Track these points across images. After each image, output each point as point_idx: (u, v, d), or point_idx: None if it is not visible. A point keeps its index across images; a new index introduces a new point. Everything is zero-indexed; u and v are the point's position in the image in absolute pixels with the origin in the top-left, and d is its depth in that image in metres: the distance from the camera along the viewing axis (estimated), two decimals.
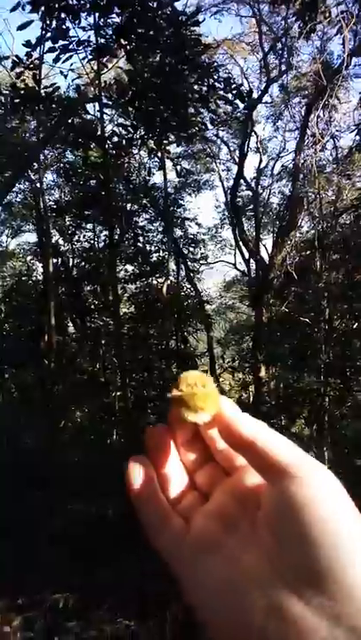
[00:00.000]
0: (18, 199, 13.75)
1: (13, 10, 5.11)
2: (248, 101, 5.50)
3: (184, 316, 11.21)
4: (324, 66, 10.99)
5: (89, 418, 11.08)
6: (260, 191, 15.10)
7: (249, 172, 15.12)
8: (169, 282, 9.88)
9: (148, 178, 10.29)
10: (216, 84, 5.31)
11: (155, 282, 11.03)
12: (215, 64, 5.46)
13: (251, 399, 12.43)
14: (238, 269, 16.45)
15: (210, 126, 5.76)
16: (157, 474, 0.40)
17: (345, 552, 0.32)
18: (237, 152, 14.42)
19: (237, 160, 12.84)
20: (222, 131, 12.95)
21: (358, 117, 11.11)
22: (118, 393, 12.82)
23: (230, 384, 12.66)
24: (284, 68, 11.49)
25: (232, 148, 15.50)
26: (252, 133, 13.23)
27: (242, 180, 13.54)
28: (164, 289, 9.50)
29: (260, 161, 15.01)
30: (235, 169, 15.76)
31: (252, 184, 14.91)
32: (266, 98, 12.57)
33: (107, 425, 11.52)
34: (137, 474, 0.39)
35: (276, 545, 0.34)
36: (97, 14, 4.98)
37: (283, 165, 14.92)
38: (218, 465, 0.41)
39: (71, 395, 11.61)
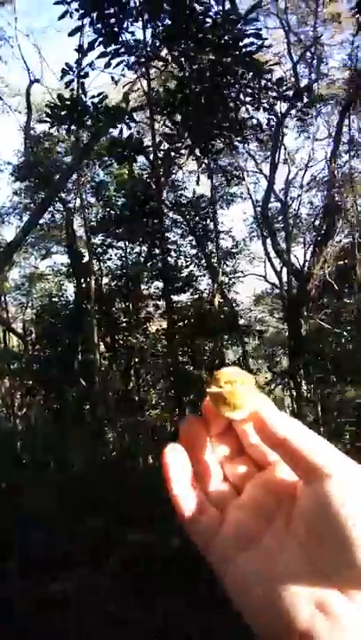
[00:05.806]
0: (47, 221, 13.78)
1: (62, 17, 5.05)
2: (309, 96, 5.27)
3: (220, 331, 10.92)
4: (356, 72, 10.83)
5: (129, 437, 10.80)
6: (290, 202, 14.90)
7: (277, 184, 14.91)
8: (218, 296, 9.62)
9: (194, 188, 10.19)
10: (269, 84, 5.12)
11: (204, 295, 10.84)
12: (269, 62, 5.26)
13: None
14: (269, 282, 16.15)
15: (264, 127, 5.54)
16: (191, 463, 0.40)
17: None
18: (264, 164, 14.31)
19: (268, 172, 12.66)
20: (249, 143, 12.84)
21: None
22: (156, 411, 12.54)
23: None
24: (314, 76, 11.35)
25: (258, 161, 15.41)
26: (281, 145, 13.07)
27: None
28: (216, 302, 9.23)
29: (289, 172, 14.84)
30: (262, 181, 15.65)
31: (281, 195, 14.73)
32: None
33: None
34: (173, 462, 0.39)
35: (313, 542, 0.34)
36: (145, 17, 4.85)
37: (312, 175, 14.73)
38: (249, 458, 0.41)
39: (107, 414, 11.37)
